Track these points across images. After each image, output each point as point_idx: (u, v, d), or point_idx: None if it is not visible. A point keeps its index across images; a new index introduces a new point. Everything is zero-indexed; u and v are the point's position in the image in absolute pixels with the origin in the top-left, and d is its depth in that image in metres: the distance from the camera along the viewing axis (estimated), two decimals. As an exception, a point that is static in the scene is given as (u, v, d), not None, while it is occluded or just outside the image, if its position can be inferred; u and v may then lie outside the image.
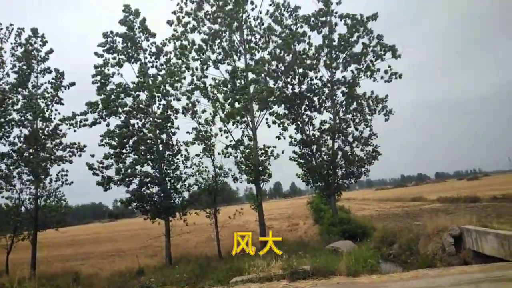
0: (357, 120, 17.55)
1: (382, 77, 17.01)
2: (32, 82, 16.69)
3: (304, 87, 17.46)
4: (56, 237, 23.80)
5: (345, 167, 17.61)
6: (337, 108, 17.64)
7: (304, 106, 17.73)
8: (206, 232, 19.76)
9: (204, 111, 15.63)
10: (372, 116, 17.51)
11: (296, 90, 17.50)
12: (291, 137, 17.62)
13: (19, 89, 16.38)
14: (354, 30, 16.73)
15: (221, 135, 15.82)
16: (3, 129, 16.17)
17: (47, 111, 16.28)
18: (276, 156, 16.03)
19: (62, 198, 16.24)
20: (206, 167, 15.73)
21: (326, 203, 22.96)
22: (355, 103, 17.40)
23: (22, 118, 16.00)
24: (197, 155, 15.61)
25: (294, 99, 17.53)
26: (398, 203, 36.37)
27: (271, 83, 16.73)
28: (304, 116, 17.85)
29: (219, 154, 15.93)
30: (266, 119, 16.66)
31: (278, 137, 17.11)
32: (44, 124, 16.26)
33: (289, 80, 17.34)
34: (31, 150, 16.08)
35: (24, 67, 16.36)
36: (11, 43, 16.92)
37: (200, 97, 15.71)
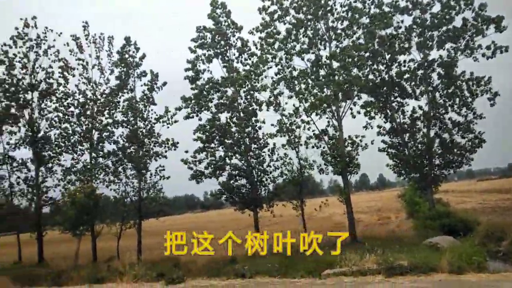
0: (455, 106, 15.78)
1: (484, 55, 14.92)
2: (130, 86, 18.48)
3: (393, 72, 16.28)
4: (157, 226, 26.05)
5: (443, 156, 16.05)
6: (432, 92, 16.09)
7: (393, 92, 16.55)
8: (293, 224, 19.82)
9: (287, 102, 15.62)
10: (473, 99, 15.59)
11: (384, 76, 16.41)
12: (379, 126, 16.61)
13: (119, 93, 18.41)
14: (450, 6, 14.98)
15: (305, 126, 15.66)
16: (108, 130, 18.41)
17: (145, 111, 17.88)
18: (364, 146, 15.35)
19: (160, 190, 17.75)
20: (290, 158, 15.75)
21: (421, 195, 21.34)
22: (453, 86, 15.65)
23: (125, 119, 17.85)
24: (283, 145, 15.68)
25: (382, 86, 16.46)
26: (506, 196, 32.20)
27: (357, 71, 15.95)
28: (394, 104, 16.67)
29: (302, 145, 15.80)
30: (351, 108, 15.96)
31: (365, 127, 16.30)
32: (143, 123, 17.86)
33: (376, 66, 16.35)
34: (132, 148, 17.85)
35: (123, 72, 18.19)
36: (106, 51, 19.08)
37: (284, 89, 15.71)
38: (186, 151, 15.88)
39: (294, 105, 15.46)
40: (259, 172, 15.95)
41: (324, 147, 15.65)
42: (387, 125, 16.66)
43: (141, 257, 16.03)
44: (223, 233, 25.30)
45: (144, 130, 17.87)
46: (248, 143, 16.06)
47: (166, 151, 17.82)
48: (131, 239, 18.65)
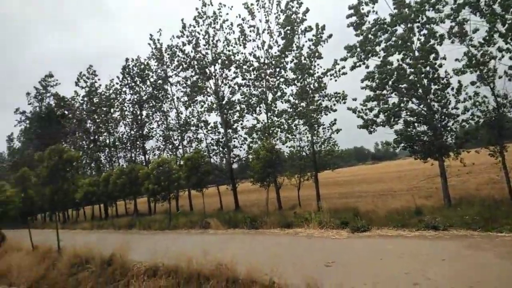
0: None
1: None
2: (296, 43, 18.90)
3: None
4: (331, 178, 26.90)
5: None
6: None
7: None
8: (490, 173, 17.15)
9: (476, 30, 12.99)
10: None
11: None
12: None
13: (287, 52, 19.18)
14: None
15: (503, 55, 12.81)
16: (280, 90, 19.62)
17: (312, 67, 18.09)
18: None
19: (334, 143, 18.02)
20: (485, 96, 13.27)
21: None
22: None
23: (294, 76, 18.54)
24: (472, 83, 13.31)
25: None
26: None
27: None
28: None
29: (501, 78, 13.03)
30: None
31: None
32: (311, 79, 18.16)
33: None
34: (303, 104, 18.49)
35: (288, 31, 18.71)
36: (274, 13, 19.96)
37: (470, 15, 13.10)
38: (354, 99, 15.40)
39: (486, 31, 12.76)
40: (442, 116, 14.15)
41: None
42: None
43: (321, 205, 16.94)
44: (399, 184, 24.42)
45: (312, 86, 18.18)
46: (426, 85, 14.35)
47: (335, 105, 17.77)
48: (309, 189, 19.86)
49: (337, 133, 17.91)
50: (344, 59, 15.96)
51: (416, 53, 14.34)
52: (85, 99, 36.24)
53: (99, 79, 36.43)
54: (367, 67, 15.21)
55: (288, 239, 11.42)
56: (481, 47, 12.99)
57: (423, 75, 14.25)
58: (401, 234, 9.84)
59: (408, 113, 14.46)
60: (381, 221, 11.71)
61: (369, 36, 14.95)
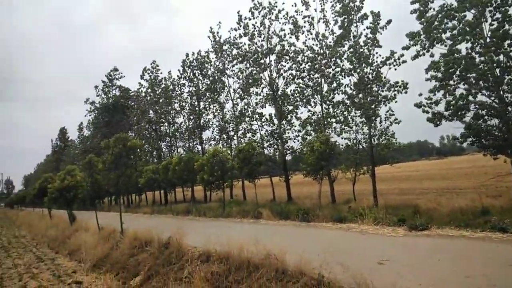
0: None
1: None
2: (353, 32, 18.19)
3: None
4: (390, 173, 25.83)
5: None
6: None
7: None
8: None
9: None
10: None
11: None
12: None
13: (343, 42, 18.54)
14: None
15: None
16: (336, 80, 19.05)
17: (369, 56, 17.33)
18: None
19: (393, 136, 17.14)
20: None
21: None
22: None
23: (350, 66, 17.89)
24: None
25: None
26: None
27: None
28: None
29: None
30: None
31: None
32: (369, 68, 17.41)
33: None
34: (360, 95, 17.81)
35: (345, 19, 18.06)
36: (330, 1, 19.35)
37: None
38: (420, 94, 14.52)
39: None
40: (517, 109, 12.85)
41: None
42: None
43: (376, 201, 16.33)
44: (466, 181, 22.79)
45: (370, 76, 17.44)
46: (498, 75, 13.09)
47: (395, 95, 16.89)
48: (365, 184, 19.25)
49: (397, 123, 17.01)
50: (406, 47, 15.15)
51: (488, 40, 13.13)
52: (149, 90, 38.53)
53: (161, 73, 38.64)
54: (432, 55, 14.26)
55: (340, 234, 11.18)
56: None
57: (495, 64, 13.01)
58: (464, 234, 9.16)
59: (477, 106, 13.33)
60: (443, 220, 11.02)
61: (435, 22, 13.96)
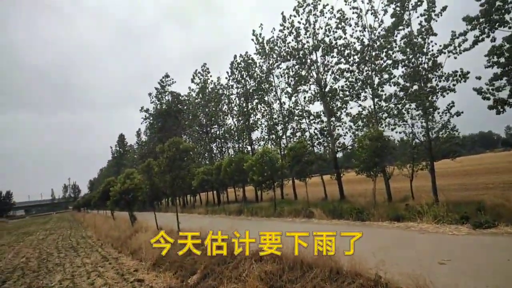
0: None
1: None
2: (405, 21, 17.25)
3: None
4: (451, 167, 24.21)
5: None
6: None
7: None
8: None
9: None
10: None
11: None
12: None
13: (395, 31, 17.63)
14: None
15: None
16: (388, 72, 18.18)
17: (424, 44, 16.33)
18: None
19: (454, 129, 15.99)
20: None
21: None
22: None
23: (403, 57, 16.98)
24: None
25: None
26: None
27: None
28: None
29: None
30: None
31: None
32: (424, 58, 16.42)
33: None
34: (415, 87, 16.86)
35: (397, 7, 17.19)
36: None
37: None
38: (479, 78, 13.44)
39: None
40: None
41: None
42: None
43: (436, 197, 15.37)
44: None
45: (426, 65, 16.44)
46: None
47: (454, 85, 15.76)
48: (423, 180, 18.22)
49: (457, 116, 15.84)
50: (464, 33, 14.11)
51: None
52: (200, 94, 39.85)
53: (211, 76, 39.78)
54: (493, 40, 13.14)
55: (397, 233, 10.68)
56: None
57: None
58: (540, 234, 8.34)
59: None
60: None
61: (497, 3, 12.86)
